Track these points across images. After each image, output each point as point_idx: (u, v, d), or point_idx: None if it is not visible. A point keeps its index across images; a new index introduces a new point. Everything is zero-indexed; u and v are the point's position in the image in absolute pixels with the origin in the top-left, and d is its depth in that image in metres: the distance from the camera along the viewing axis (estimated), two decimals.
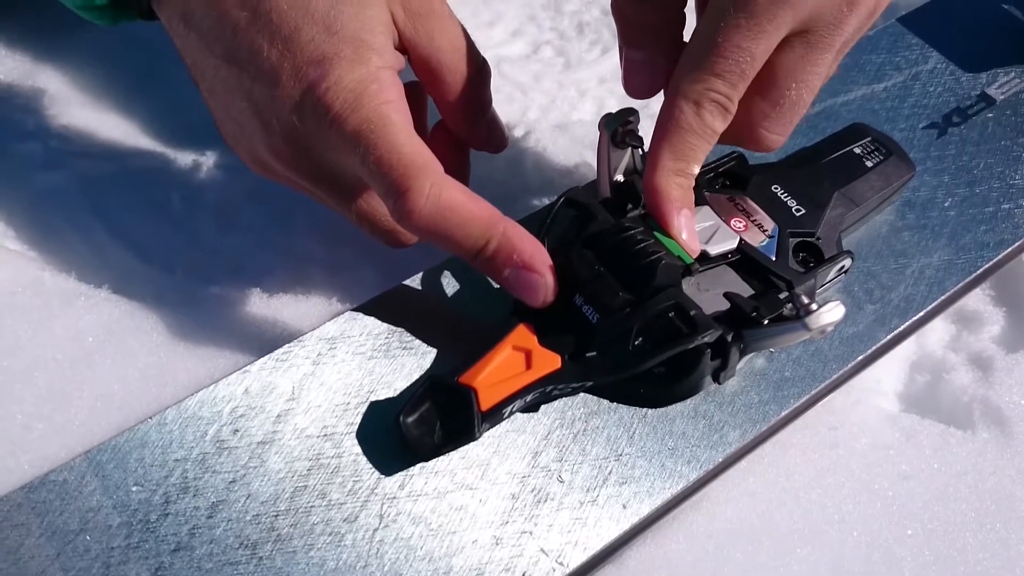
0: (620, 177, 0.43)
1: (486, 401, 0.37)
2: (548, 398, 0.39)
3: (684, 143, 0.39)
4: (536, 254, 0.38)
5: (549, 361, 0.38)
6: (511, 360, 0.38)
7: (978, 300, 0.48)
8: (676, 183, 0.39)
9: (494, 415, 0.37)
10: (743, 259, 0.42)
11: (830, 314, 0.36)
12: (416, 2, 0.39)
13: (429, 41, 0.40)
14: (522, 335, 0.39)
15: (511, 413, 0.38)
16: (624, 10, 0.41)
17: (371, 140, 0.35)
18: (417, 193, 0.35)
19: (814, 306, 0.36)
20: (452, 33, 0.41)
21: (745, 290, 0.41)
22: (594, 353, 0.39)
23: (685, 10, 0.42)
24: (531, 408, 0.39)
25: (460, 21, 0.42)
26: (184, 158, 0.52)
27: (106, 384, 0.42)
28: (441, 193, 0.35)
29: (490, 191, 0.52)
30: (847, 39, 0.39)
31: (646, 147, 0.44)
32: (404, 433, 0.37)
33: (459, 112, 0.43)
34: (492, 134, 0.45)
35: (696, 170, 0.39)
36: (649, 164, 0.39)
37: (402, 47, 0.40)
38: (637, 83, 0.42)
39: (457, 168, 0.44)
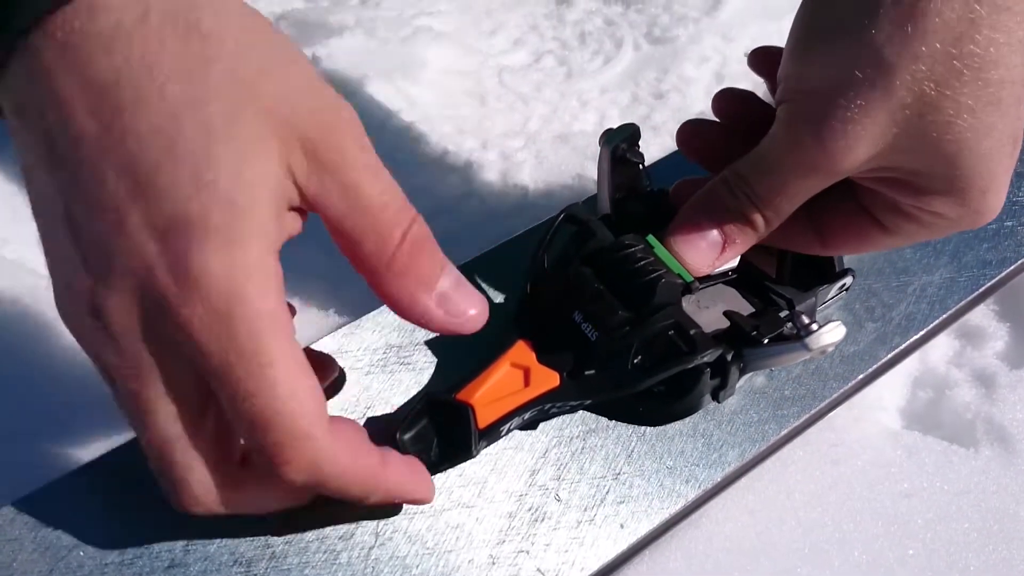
0: (619, 195, 0.43)
1: (483, 418, 0.37)
2: (546, 416, 0.39)
3: None
4: (418, 489, 0.35)
5: (548, 379, 0.38)
6: (509, 377, 0.38)
7: (982, 315, 0.48)
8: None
9: (491, 433, 0.37)
10: (743, 276, 0.41)
11: (830, 334, 0.36)
12: (324, 149, 0.29)
13: (343, 200, 0.29)
14: (521, 352, 0.38)
15: (509, 431, 0.38)
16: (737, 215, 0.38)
17: (243, 381, 0.27)
18: (295, 471, 0.29)
19: (815, 326, 0.36)
20: (376, 188, 0.30)
21: (745, 308, 0.41)
22: (593, 371, 0.38)
23: None
24: (529, 426, 0.39)
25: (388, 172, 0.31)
26: None
27: (105, 395, 0.42)
28: (323, 468, 0.29)
29: (489, 203, 0.52)
30: None
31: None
32: (401, 450, 0.37)
33: (393, 288, 0.31)
34: (449, 312, 0.32)
35: None
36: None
37: (306, 205, 0.30)
38: (703, 257, 0.39)
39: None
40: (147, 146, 0.27)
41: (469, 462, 0.38)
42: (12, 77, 0.27)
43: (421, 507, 0.37)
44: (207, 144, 0.27)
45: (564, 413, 0.39)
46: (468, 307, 0.32)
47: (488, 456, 0.39)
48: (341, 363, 0.41)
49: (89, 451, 0.39)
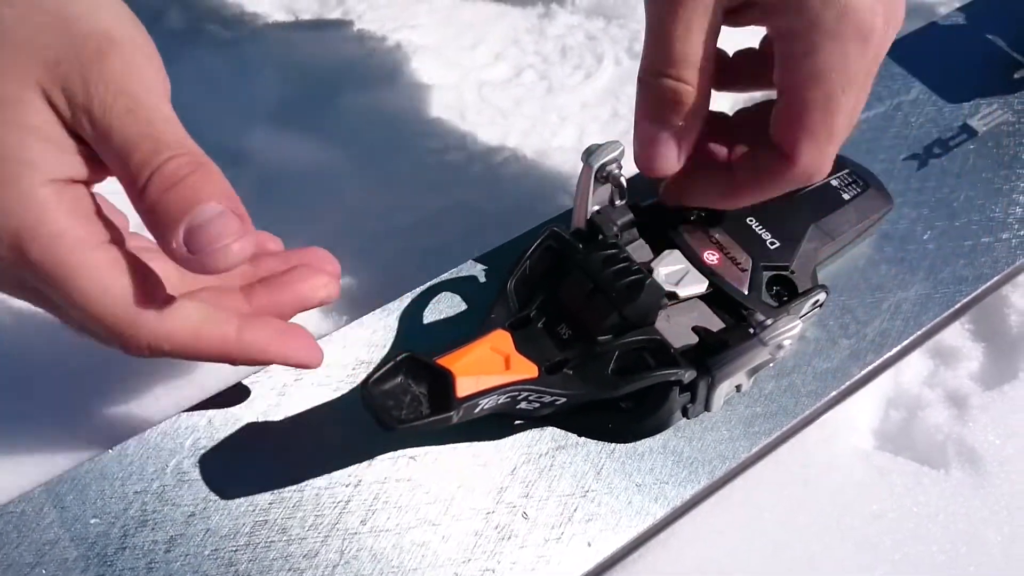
0: (595, 207, 0.43)
1: (462, 389, 0.35)
2: (517, 411, 0.38)
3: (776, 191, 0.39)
4: (290, 352, 0.37)
5: (527, 368, 0.37)
6: (490, 358, 0.37)
7: (957, 335, 0.48)
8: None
9: (468, 405, 0.35)
10: (715, 293, 0.41)
11: (784, 328, 0.36)
12: (77, 91, 0.30)
13: (98, 144, 0.31)
14: (501, 339, 0.38)
15: (482, 411, 0.36)
16: (650, 90, 0.39)
17: (58, 295, 0.31)
18: (135, 349, 0.33)
19: (769, 321, 0.36)
20: (127, 131, 0.30)
21: (716, 323, 0.40)
22: (571, 371, 0.38)
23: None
24: (500, 413, 0.37)
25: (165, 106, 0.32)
26: None
27: (72, 412, 0.42)
28: (162, 346, 0.33)
29: (469, 219, 0.52)
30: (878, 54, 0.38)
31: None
32: (367, 400, 0.34)
33: (147, 226, 0.31)
34: (193, 247, 0.30)
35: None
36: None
37: (85, 145, 0.31)
38: (657, 160, 0.39)
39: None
40: None
41: (437, 478, 0.38)
42: None
43: (386, 525, 0.37)
44: None
45: (535, 412, 0.38)
46: (218, 239, 0.31)
47: (455, 473, 0.39)
48: (310, 380, 0.40)
49: (56, 465, 0.39)
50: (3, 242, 0.30)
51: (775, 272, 0.42)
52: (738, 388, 0.41)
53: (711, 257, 0.42)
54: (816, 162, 0.38)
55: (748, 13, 0.37)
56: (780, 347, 0.37)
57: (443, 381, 0.34)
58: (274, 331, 0.36)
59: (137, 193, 0.30)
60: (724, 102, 0.59)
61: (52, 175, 0.30)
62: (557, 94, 0.59)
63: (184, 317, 0.33)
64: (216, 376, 0.42)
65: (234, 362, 0.36)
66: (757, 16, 0.37)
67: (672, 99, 0.38)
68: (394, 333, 0.42)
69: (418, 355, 0.35)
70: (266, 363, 0.37)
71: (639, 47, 0.62)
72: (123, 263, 0.31)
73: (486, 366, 0.36)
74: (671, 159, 0.39)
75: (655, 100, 0.38)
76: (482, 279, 0.44)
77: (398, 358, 0.35)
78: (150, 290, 0.32)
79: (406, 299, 0.43)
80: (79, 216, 0.31)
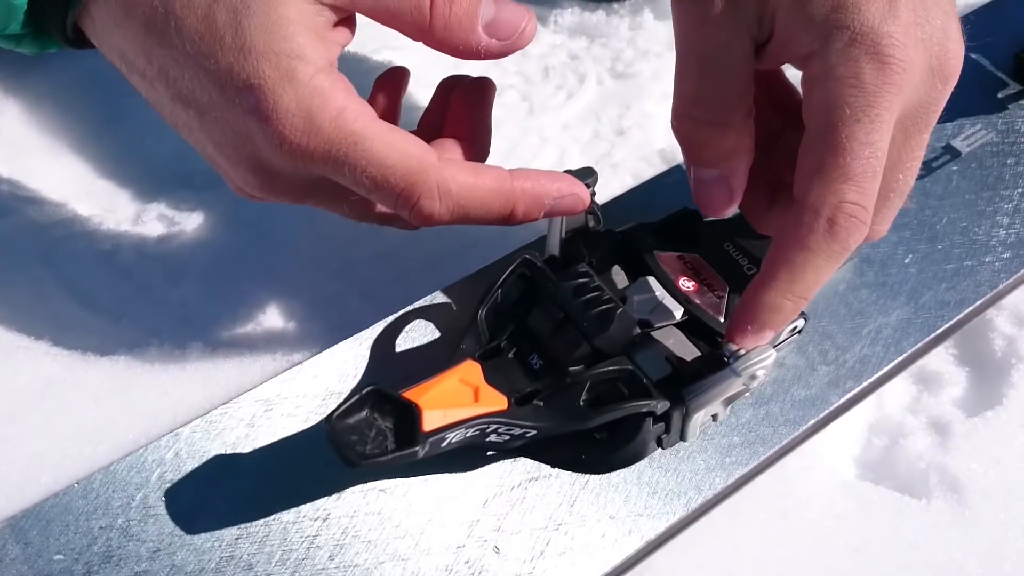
0: (569, 234, 0.42)
1: (428, 423, 0.34)
2: (487, 444, 0.37)
3: (808, 267, 0.34)
4: (562, 185, 0.37)
5: (496, 400, 0.37)
6: (458, 390, 0.36)
7: (940, 360, 0.47)
8: (785, 306, 0.35)
9: (434, 439, 0.34)
10: (691, 320, 0.41)
11: (758, 358, 0.35)
12: None
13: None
14: (470, 370, 0.37)
15: (450, 445, 0.36)
16: (690, 135, 0.39)
17: (351, 161, 0.33)
18: (428, 199, 0.34)
19: (742, 351, 0.36)
20: None
21: (691, 351, 0.40)
22: (542, 402, 0.38)
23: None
24: (469, 446, 0.37)
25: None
26: (136, 206, 0.52)
27: (40, 442, 0.41)
28: (451, 188, 0.34)
29: (444, 242, 0.51)
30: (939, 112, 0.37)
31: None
32: (331, 436, 0.34)
33: (444, 44, 0.36)
34: (502, 36, 0.35)
35: (813, 295, 0.35)
36: (764, 274, 0.35)
37: (344, 13, 0.35)
38: (713, 202, 0.39)
39: (475, 128, 0.41)
40: (199, 47, 0.32)
41: (408, 511, 0.37)
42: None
43: (354, 560, 0.36)
44: (235, 19, 0.32)
45: (505, 444, 0.38)
46: (516, 24, 0.35)
47: (426, 506, 0.38)
48: (279, 411, 0.40)
49: (23, 498, 0.38)
50: (295, 131, 0.32)
51: None
52: (714, 417, 0.41)
53: (687, 284, 0.42)
54: (826, 203, 0.33)
55: (773, 48, 0.36)
56: (754, 377, 0.36)
57: (409, 415, 0.34)
58: (539, 174, 0.37)
59: (425, 29, 0.34)
60: None
61: (320, 63, 0.33)
62: (538, 115, 0.59)
63: (458, 161, 0.36)
64: (186, 406, 0.42)
65: (512, 212, 0.36)
66: (782, 50, 0.36)
67: (709, 142, 0.37)
68: (366, 362, 0.42)
69: (384, 388, 0.35)
70: (538, 209, 0.36)
71: (621, 67, 0.62)
72: (392, 125, 0.34)
73: (454, 398, 0.36)
74: (721, 201, 0.39)
75: (692, 145, 0.38)
76: (456, 306, 0.44)
77: (363, 391, 0.34)
78: (422, 142, 0.34)
79: (378, 327, 0.43)
80: (349, 93, 0.34)
